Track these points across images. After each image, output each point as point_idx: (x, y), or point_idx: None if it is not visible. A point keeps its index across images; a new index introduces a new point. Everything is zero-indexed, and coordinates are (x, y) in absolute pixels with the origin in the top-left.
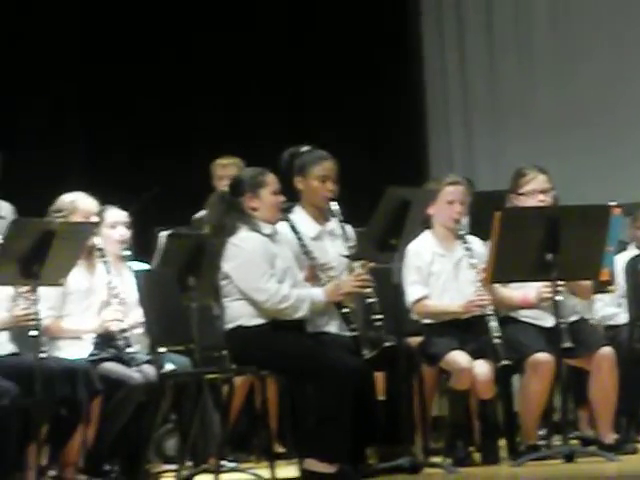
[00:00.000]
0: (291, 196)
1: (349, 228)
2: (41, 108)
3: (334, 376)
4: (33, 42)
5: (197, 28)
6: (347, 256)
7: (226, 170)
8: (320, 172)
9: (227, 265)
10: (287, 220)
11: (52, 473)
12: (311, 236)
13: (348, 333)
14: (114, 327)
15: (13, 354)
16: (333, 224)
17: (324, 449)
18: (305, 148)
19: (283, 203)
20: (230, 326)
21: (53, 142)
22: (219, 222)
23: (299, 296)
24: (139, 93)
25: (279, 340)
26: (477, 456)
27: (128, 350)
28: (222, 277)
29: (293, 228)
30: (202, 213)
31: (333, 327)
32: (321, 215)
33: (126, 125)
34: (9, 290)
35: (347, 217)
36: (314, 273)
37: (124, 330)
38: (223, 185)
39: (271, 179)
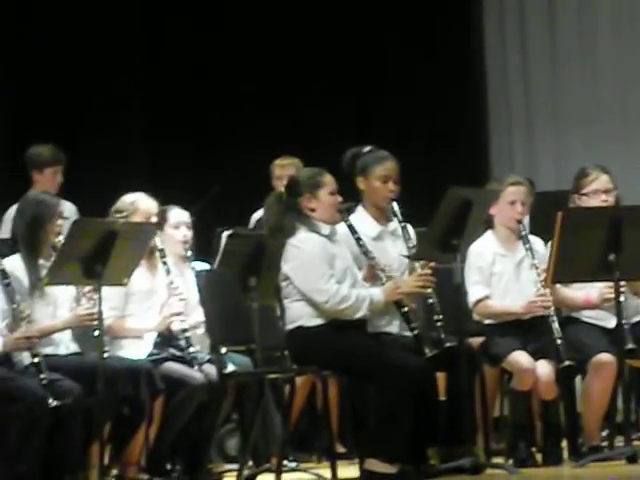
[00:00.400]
0: (353, 197)
1: (410, 228)
2: (104, 109)
3: (395, 376)
4: (96, 42)
5: (260, 27)
6: (408, 256)
7: (285, 170)
8: (382, 172)
9: (286, 266)
10: (345, 221)
11: (114, 472)
12: (372, 236)
13: (409, 333)
14: (175, 325)
15: (76, 353)
16: (394, 224)
17: (385, 449)
18: (367, 148)
19: (342, 204)
20: (291, 326)
21: (116, 143)
22: (277, 223)
23: (359, 296)
24: (202, 94)
25: (340, 340)
26: (539, 457)
27: (190, 350)
28: (282, 278)
29: (351, 228)
30: (260, 213)
31: (394, 327)
32: (382, 215)
33: (188, 126)
34: (72, 290)
35: (408, 217)
36: (373, 273)
37: (185, 330)
38: (281, 185)
39: (328, 179)
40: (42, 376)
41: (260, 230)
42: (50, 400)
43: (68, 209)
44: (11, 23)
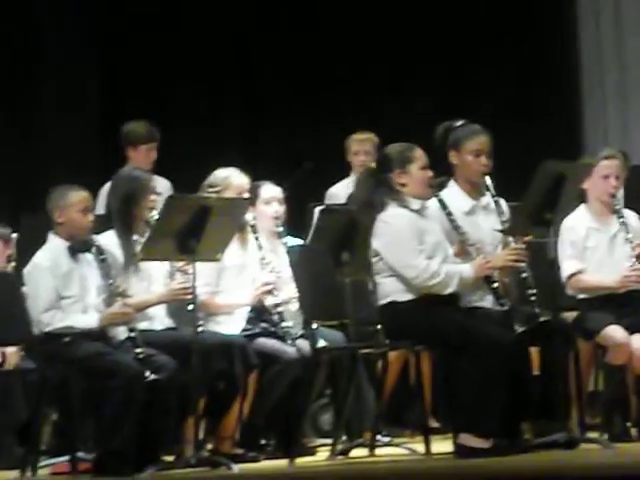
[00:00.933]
0: (446, 171)
1: (503, 202)
2: (199, 84)
3: (488, 350)
4: (192, 18)
5: (353, 6)
6: (501, 230)
7: (363, 145)
8: (474, 146)
9: (377, 242)
10: (436, 196)
11: (209, 446)
12: (465, 211)
13: (501, 308)
14: (268, 300)
15: (170, 329)
16: (487, 199)
17: (478, 424)
18: (459, 122)
19: (434, 178)
20: (383, 302)
21: (209, 118)
22: (368, 199)
23: (448, 272)
24: (294, 72)
25: (433, 315)
26: (634, 432)
27: (282, 325)
28: (373, 254)
29: (442, 203)
30: (335, 189)
31: (487, 302)
32: (475, 190)
33: (281, 102)
34: (166, 266)
35: (501, 191)
36: (464, 248)
37: (278, 304)
38: (359, 160)
39: (419, 154)
40: (138, 350)
41: (353, 205)
42: (147, 373)
43: (162, 185)
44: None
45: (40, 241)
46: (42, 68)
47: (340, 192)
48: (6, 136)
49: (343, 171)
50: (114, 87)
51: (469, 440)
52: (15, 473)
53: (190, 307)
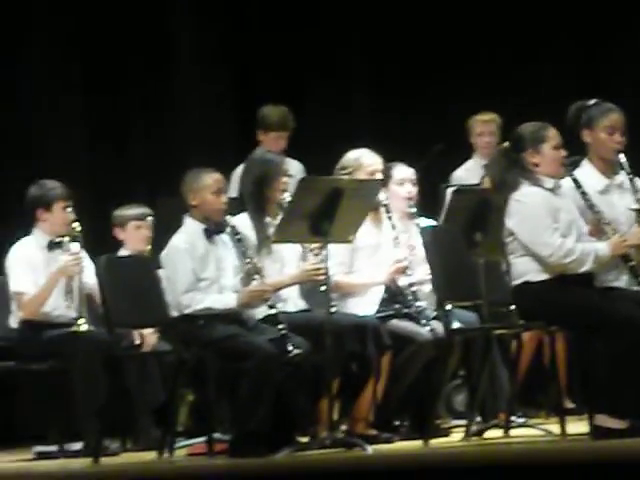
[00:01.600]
0: (578, 150)
1: (638, 181)
2: (329, 67)
3: (625, 330)
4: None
5: None
6: (636, 210)
7: (487, 126)
8: (608, 124)
9: (510, 221)
10: (570, 175)
11: (343, 427)
12: (599, 190)
13: (637, 288)
14: (402, 280)
15: (304, 310)
16: (621, 177)
17: (615, 404)
18: (592, 101)
19: (567, 158)
20: (517, 282)
21: (340, 100)
22: (501, 178)
23: (583, 250)
24: (427, 54)
25: (568, 295)
26: None
27: (416, 304)
28: (506, 234)
29: (576, 182)
30: (461, 171)
31: (622, 282)
32: (609, 168)
33: (412, 80)
34: (298, 248)
35: (636, 169)
36: (599, 227)
37: (412, 284)
38: (484, 142)
39: (552, 133)
40: (280, 326)
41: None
42: (290, 347)
43: (294, 167)
44: None
45: (175, 225)
46: (176, 52)
47: (464, 175)
48: (142, 120)
49: (464, 153)
50: (248, 70)
51: (605, 421)
52: (153, 454)
53: (323, 288)
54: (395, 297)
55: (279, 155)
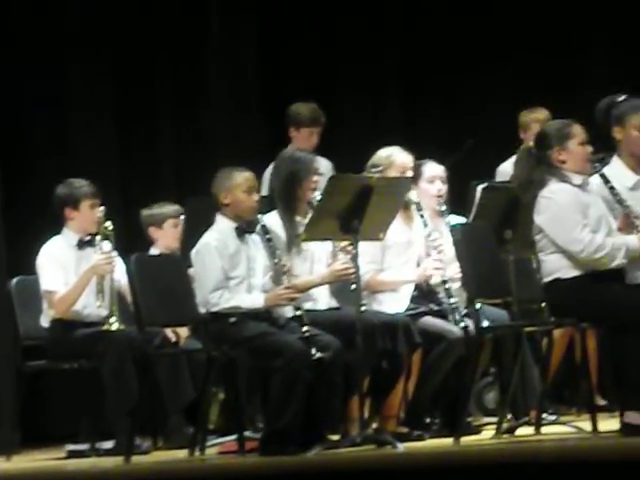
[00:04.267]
0: (607, 147)
1: None
2: (360, 64)
3: None
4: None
5: None
6: None
7: (537, 121)
8: (639, 121)
9: (539, 218)
10: (598, 171)
11: (374, 425)
12: (628, 186)
13: None
14: (434, 278)
15: (334, 308)
16: None
17: None
18: (622, 97)
19: (594, 154)
20: (548, 279)
21: (371, 98)
22: (528, 177)
23: (614, 244)
24: (453, 49)
25: (599, 292)
26: None
27: (451, 301)
28: (536, 231)
29: (604, 178)
30: (506, 164)
31: None
32: (639, 165)
33: (441, 78)
34: (328, 246)
35: None
36: (628, 222)
37: (445, 281)
38: (532, 136)
39: (578, 130)
40: (304, 329)
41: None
42: (313, 351)
43: (324, 166)
44: None
45: (205, 224)
46: (207, 51)
47: (509, 169)
48: (172, 120)
49: (510, 147)
50: (277, 69)
51: (636, 418)
52: (184, 452)
53: (353, 286)
54: (427, 295)
55: (309, 153)
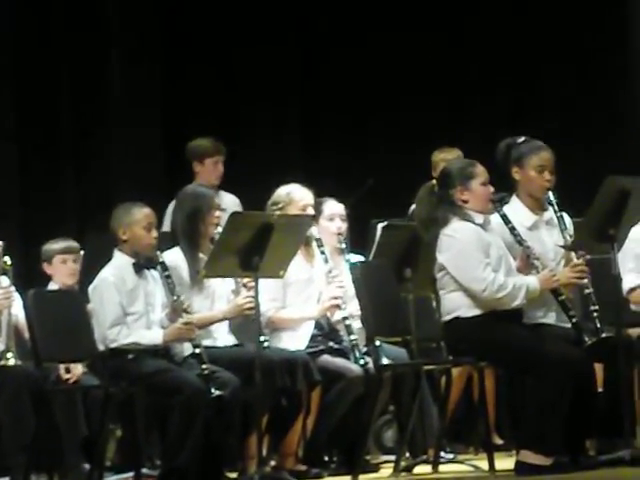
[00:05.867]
0: (507, 187)
1: (567, 218)
2: (262, 102)
3: (554, 368)
4: (257, 37)
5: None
6: (564, 246)
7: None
8: (537, 162)
9: (442, 256)
10: (498, 211)
11: (272, 463)
12: (527, 226)
13: (565, 325)
14: (335, 315)
15: (233, 345)
16: (549, 214)
17: (540, 441)
18: (522, 139)
19: (495, 194)
20: (448, 317)
21: (273, 135)
22: (429, 215)
23: (515, 284)
24: (357, 87)
25: (498, 331)
26: None
27: (351, 337)
28: (437, 269)
29: (504, 218)
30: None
31: (551, 318)
32: (538, 205)
33: (344, 116)
34: (230, 284)
35: (564, 207)
36: (528, 262)
37: (345, 318)
38: None
39: (480, 170)
40: (204, 366)
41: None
42: (212, 389)
43: (229, 200)
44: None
45: (105, 259)
46: (107, 89)
47: None
48: (74, 155)
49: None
50: (177, 106)
51: (530, 457)
52: None
53: (254, 322)
54: (327, 333)
55: (211, 189)
